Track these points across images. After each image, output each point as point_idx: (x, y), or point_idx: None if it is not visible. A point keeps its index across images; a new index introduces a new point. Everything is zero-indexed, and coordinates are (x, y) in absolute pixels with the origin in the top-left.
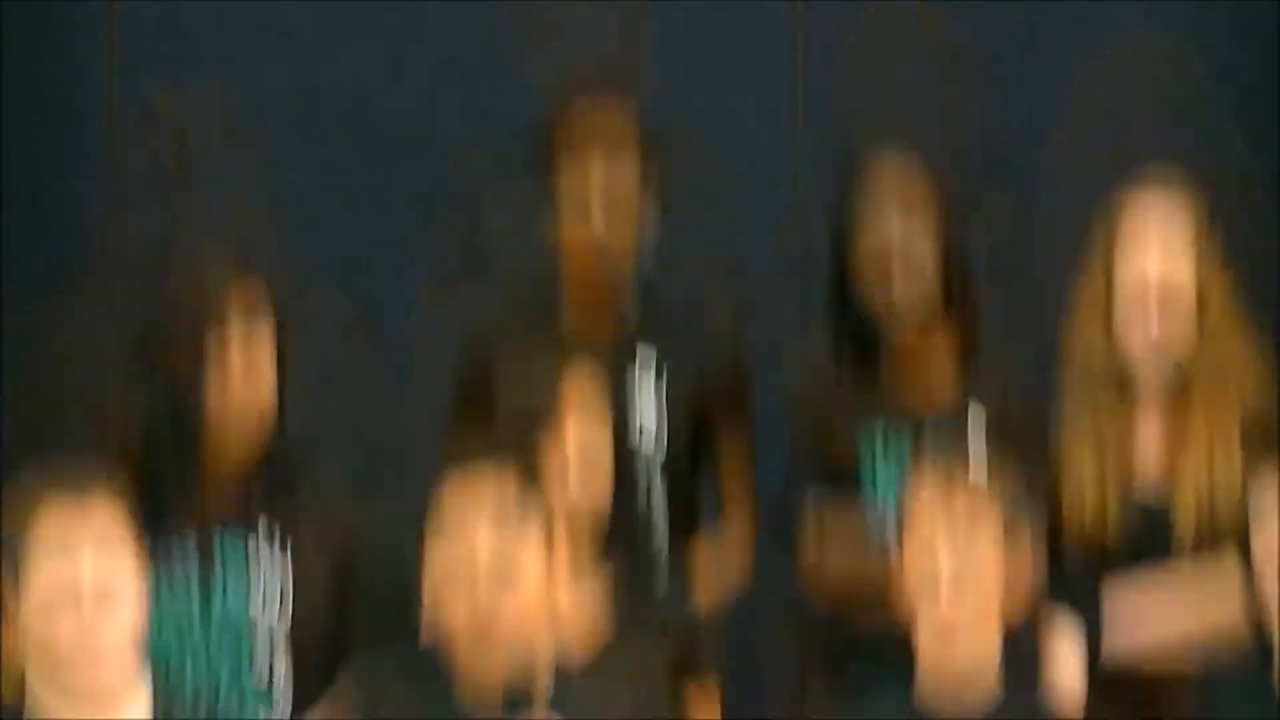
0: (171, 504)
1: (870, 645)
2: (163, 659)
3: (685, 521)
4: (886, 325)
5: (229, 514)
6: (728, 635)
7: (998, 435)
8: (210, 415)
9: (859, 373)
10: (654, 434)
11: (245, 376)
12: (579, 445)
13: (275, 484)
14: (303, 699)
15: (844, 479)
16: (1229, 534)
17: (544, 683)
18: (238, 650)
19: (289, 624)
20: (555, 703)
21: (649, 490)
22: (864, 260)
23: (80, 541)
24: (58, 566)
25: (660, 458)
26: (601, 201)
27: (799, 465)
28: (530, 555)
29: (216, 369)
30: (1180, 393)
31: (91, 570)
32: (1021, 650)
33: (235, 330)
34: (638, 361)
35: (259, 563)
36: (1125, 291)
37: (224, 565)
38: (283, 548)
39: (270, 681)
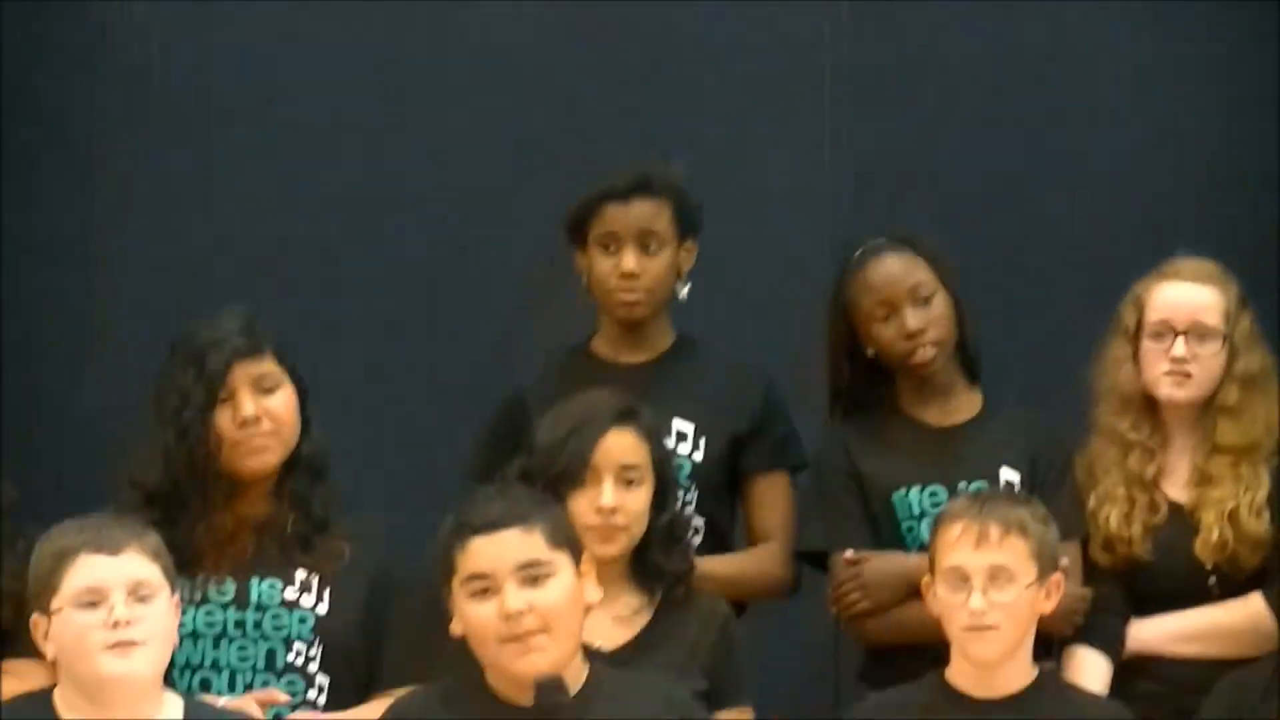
0: (200, 552)
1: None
2: (194, 672)
3: (717, 534)
4: (901, 358)
5: (260, 559)
6: (758, 652)
7: (1029, 482)
8: (228, 464)
9: (879, 406)
10: (690, 439)
11: (259, 426)
12: (608, 505)
13: (306, 524)
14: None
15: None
16: (1255, 569)
17: (573, 683)
18: (273, 668)
19: (323, 651)
20: (583, 702)
21: (682, 496)
22: (872, 299)
23: (119, 548)
24: (96, 565)
25: (698, 460)
26: (631, 238)
27: (827, 535)
28: (563, 558)
29: (228, 423)
30: (1209, 426)
31: (127, 570)
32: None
33: (245, 388)
34: (672, 380)
35: (293, 597)
36: (1154, 323)
37: (259, 601)
38: (318, 586)
39: (307, 700)
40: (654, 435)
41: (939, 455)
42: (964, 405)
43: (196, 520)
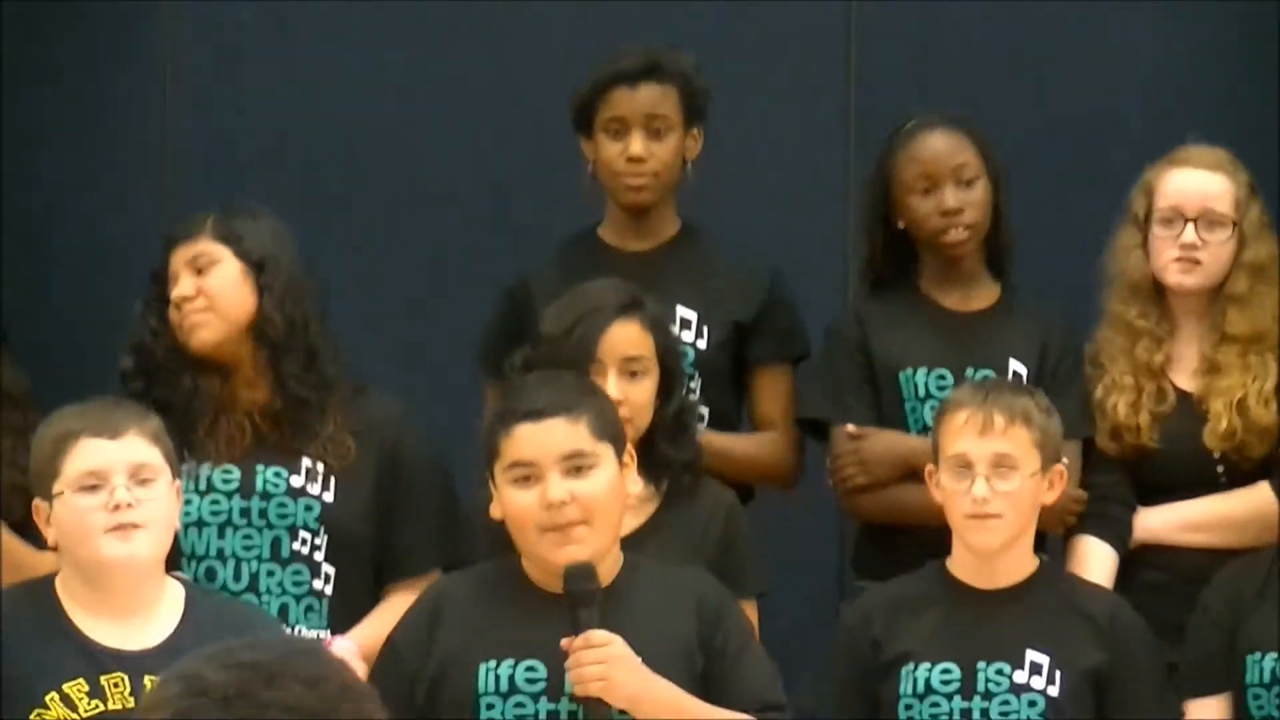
0: (201, 439)
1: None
2: (199, 561)
3: (722, 423)
4: (932, 235)
5: (264, 447)
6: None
7: (1037, 376)
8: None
9: (891, 287)
10: (694, 327)
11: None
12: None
13: (308, 408)
14: (347, 611)
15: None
16: (1262, 458)
17: (609, 574)
18: (278, 558)
19: (332, 535)
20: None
21: (688, 383)
22: (914, 171)
23: (119, 431)
24: (97, 449)
25: (701, 348)
26: (638, 122)
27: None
28: (607, 450)
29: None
30: (1217, 314)
31: (128, 454)
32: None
33: (182, 270)
34: (677, 267)
35: (299, 484)
36: (1164, 209)
37: (264, 489)
38: (324, 473)
39: (313, 589)
40: (659, 325)
41: (951, 340)
42: (983, 294)
43: (184, 407)
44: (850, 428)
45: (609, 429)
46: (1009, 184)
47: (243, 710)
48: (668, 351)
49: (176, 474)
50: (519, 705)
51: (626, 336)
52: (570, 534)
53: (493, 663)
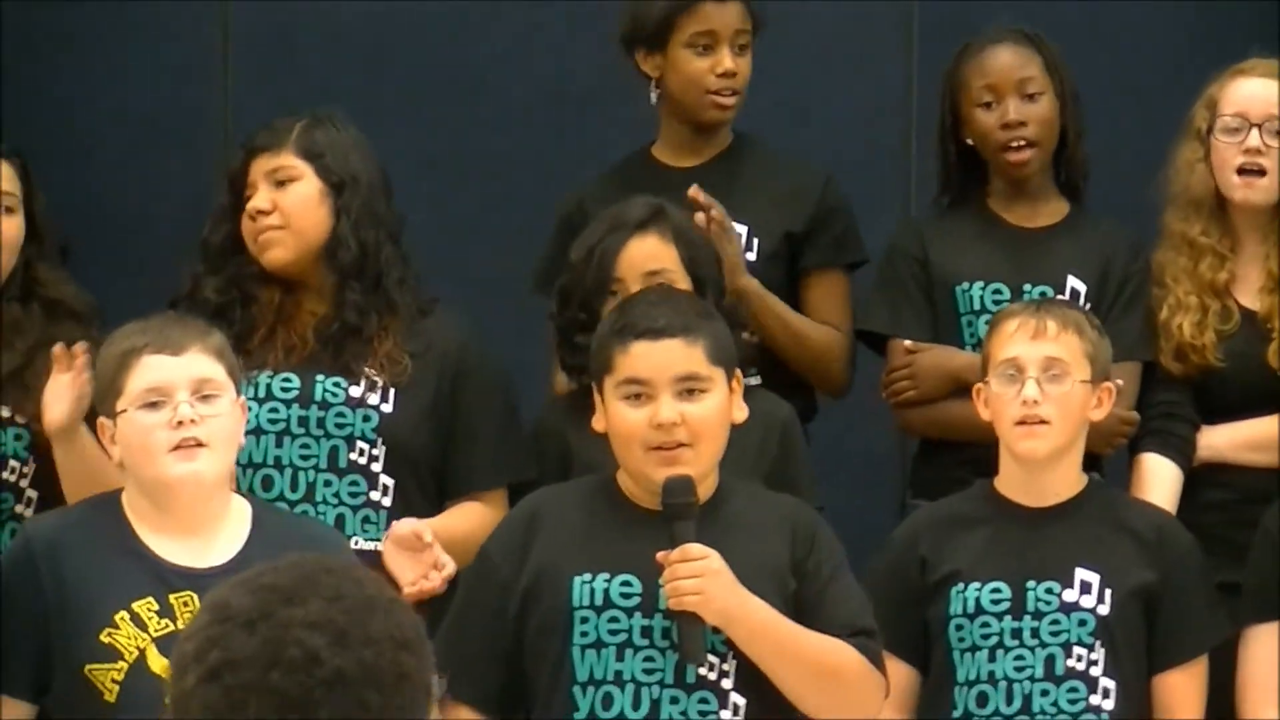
0: (261, 349)
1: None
2: (255, 470)
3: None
4: (995, 150)
5: (323, 357)
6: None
7: (1096, 295)
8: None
9: (962, 202)
10: (743, 240)
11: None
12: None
13: (368, 329)
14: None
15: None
16: None
17: (701, 492)
18: (336, 467)
19: (390, 446)
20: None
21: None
22: (980, 82)
23: (182, 348)
24: (159, 365)
25: (752, 260)
26: (728, 38)
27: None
28: (719, 374)
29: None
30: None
31: (191, 370)
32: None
33: (261, 182)
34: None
35: (358, 395)
36: (1228, 116)
37: (322, 398)
38: (384, 384)
39: (369, 500)
40: (682, 235)
41: (1010, 255)
42: (1049, 211)
43: (246, 313)
44: (906, 343)
45: (723, 353)
46: (1080, 102)
47: (266, 631)
48: (694, 261)
49: (240, 390)
50: (613, 620)
51: (645, 250)
52: (676, 455)
53: (587, 576)
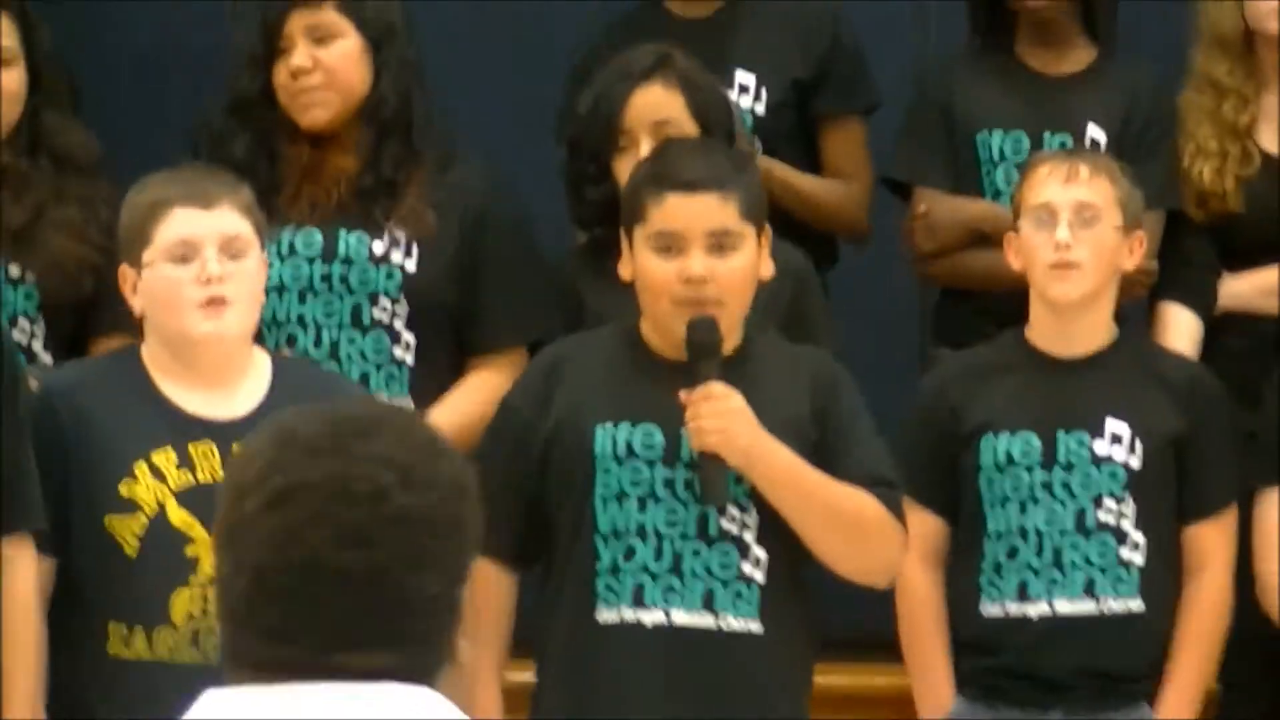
0: (283, 204)
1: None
2: (279, 327)
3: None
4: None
5: (347, 213)
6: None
7: (1118, 141)
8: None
9: (990, 47)
10: (751, 90)
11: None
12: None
13: (371, 178)
14: (429, 381)
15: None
16: None
17: (729, 348)
18: (359, 324)
19: (413, 303)
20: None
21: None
22: None
23: (213, 202)
24: (189, 219)
25: (760, 113)
26: None
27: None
28: (750, 230)
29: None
30: None
31: (220, 225)
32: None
33: (300, 37)
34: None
35: (381, 251)
36: None
37: (346, 254)
38: (407, 240)
39: (393, 357)
40: (689, 82)
41: (1031, 102)
42: (1076, 57)
43: (273, 172)
44: (922, 207)
45: (755, 209)
46: None
47: (331, 461)
48: (704, 107)
49: (264, 246)
50: (635, 470)
51: (651, 100)
52: (703, 309)
53: (610, 425)
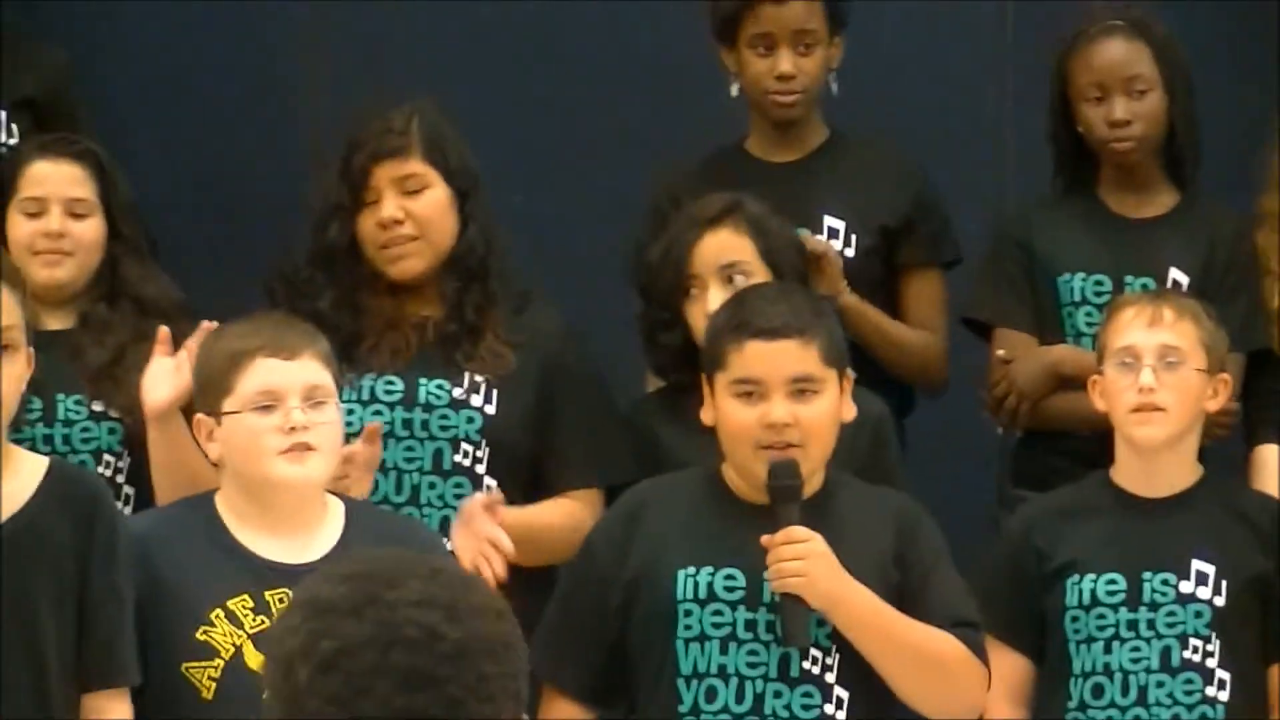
0: (365, 351)
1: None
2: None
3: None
4: (1100, 143)
5: (427, 359)
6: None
7: (1200, 284)
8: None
9: (1073, 189)
10: (841, 235)
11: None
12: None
13: (456, 326)
14: None
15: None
16: None
17: (809, 488)
18: (440, 470)
19: (493, 447)
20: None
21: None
22: (1087, 78)
23: (296, 353)
24: (273, 369)
25: (849, 256)
26: (786, 39)
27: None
28: (832, 376)
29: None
30: None
31: (303, 375)
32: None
33: (389, 189)
34: (824, 176)
35: (461, 396)
36: None
37: (427, 400)
38: (486, 386)
39: (474, 495)
40: (759, 226)
41: (1113, 246)
42: (1159, 201)
43: (356, 324)
44: (1000, 352)
45: (836, 353)
46: (1192, 89)
47: (373, 615)
48: (772, 251)
49: (341, 395)
50: (717, 613)
51: (719, 244)
52: (785, 455)
53: (692, 569)
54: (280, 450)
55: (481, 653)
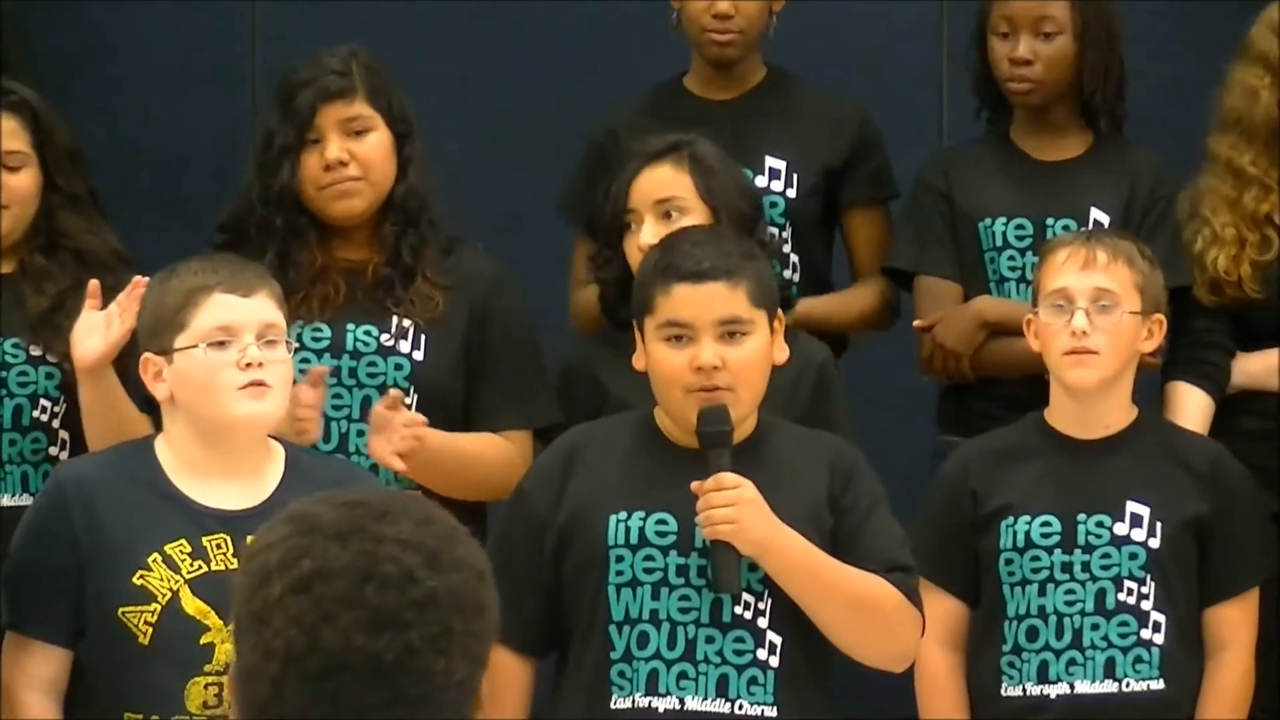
0: (292, 296)
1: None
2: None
3: (814, 273)
4: (1004, 82)
5: (355, 305)
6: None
7: (1121, 224)
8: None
9: (990, 135)
10: (783, 176)
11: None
12: (646, 243)
13: (392, 270)
14: None
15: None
16: None
17: (740, 432)
18: (366, 412)
19: (422, 394)
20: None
21: (778, 235)
22: (1000, 13)
23: (252, 290)
24: (230, 305)
25: (790, 197)
26: None
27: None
28: (761, 317)
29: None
30: None
31: (259, 313)
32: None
33: (333, 131)
34: (765, 115)
35: (389, 343)
36: None
37: (355, 347)
38: (415, 332)
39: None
40: (701, 165)
41: (1032, 189)
42: (1073, 143)
43: (284, 265)
44: (917, 323)
45: (766, 296)
46: (1114, 39)
47: (358, 544)
48: (713, 192)
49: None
50: (648, 558)
51: (658, 179)
52: (716, 398)
53: (623, 514)
54: (238, 386)
55: (452, 607)
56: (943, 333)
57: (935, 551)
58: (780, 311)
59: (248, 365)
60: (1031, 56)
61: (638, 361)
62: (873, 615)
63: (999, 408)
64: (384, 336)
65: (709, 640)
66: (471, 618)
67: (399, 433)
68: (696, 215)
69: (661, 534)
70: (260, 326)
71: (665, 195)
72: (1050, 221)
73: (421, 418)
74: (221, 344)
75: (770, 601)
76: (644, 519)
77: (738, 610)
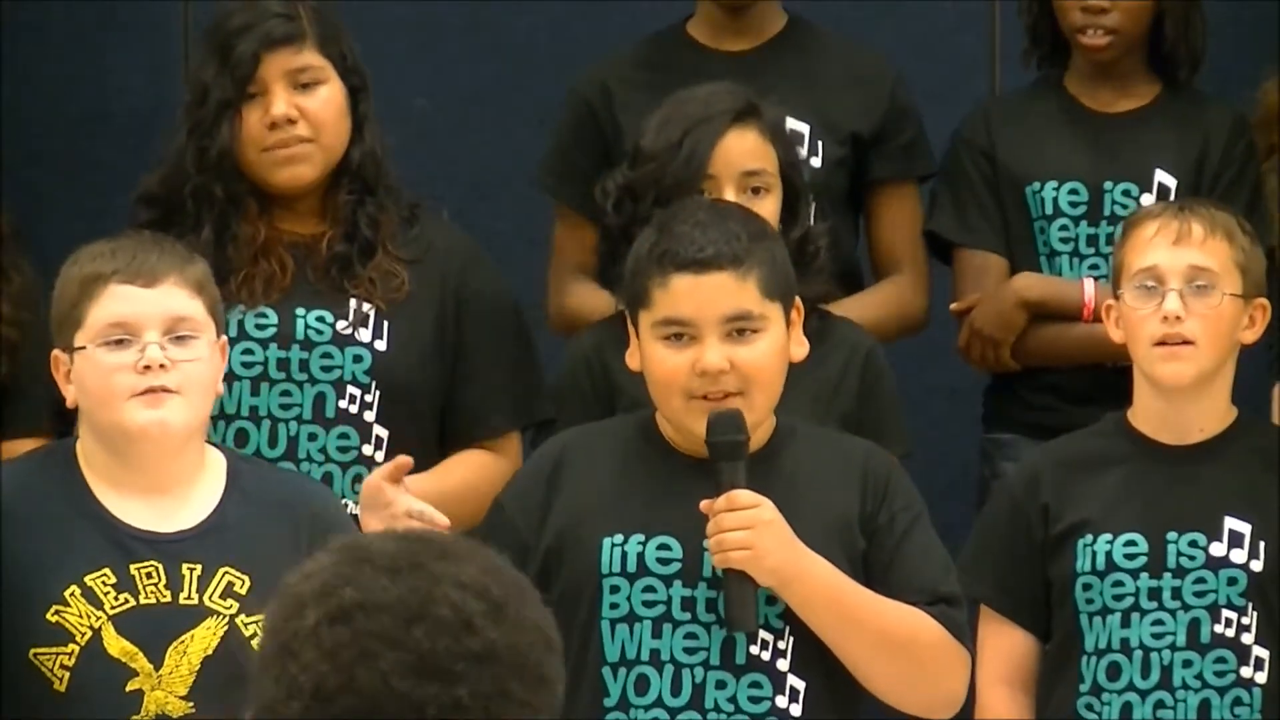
0: (232, 279)
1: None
2: (228, 423)
3: (838, 250)
4: (1070, 30)
5: (306, 288)
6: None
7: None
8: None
9: (1042, 85)
10: (806, 142)
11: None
12: None
13: (348, 245)
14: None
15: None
16: None
17: (755, 439)
18: (322, 418)
19: (385, 391)
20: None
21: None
22: None
23: (156, 278)
24: (127, 297)
25: (815, 166)
26: None
27: (953, 226)
28: (775, 310)
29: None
30: None
31: (164, 305)
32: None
33: (278, 83)
34: (784, 71)
35: (346, 330)
36: None
37: (306, 336)
38: (376, 317)
39: (361, 456)
40: (779, 134)
41: (1089, 147)
42: (1138, 93)
43: (220, 239)
44: (953, 306)
45: (780, 284)
46: None
47: (411, 580)
48: (791, 166)
49: (221, 329)
50: (648, 589)
51: (745, 147)
52: (722, 404)
53: (619, 537)
54: (134, 392)
55: (512, 669)
56: (980, 316)
57: (998, 576)
58: (798, 300)
59: (146, 368)
60: (1108, 3)
61: (631, 360)
62: (911, 655)
63: (1054, 399)
64: (340, 324)
65: (720, 685)
66: (532, 687)
67: (401, 521)
68: (774, 194)
69: (664, 561)
70: (166, 321)
71: (755, 167)
72: (1109, 185)
73: (426, 509)
74: (119, 342)
75: (792, 640)
76: (643, 543)
77: (754, 650)
